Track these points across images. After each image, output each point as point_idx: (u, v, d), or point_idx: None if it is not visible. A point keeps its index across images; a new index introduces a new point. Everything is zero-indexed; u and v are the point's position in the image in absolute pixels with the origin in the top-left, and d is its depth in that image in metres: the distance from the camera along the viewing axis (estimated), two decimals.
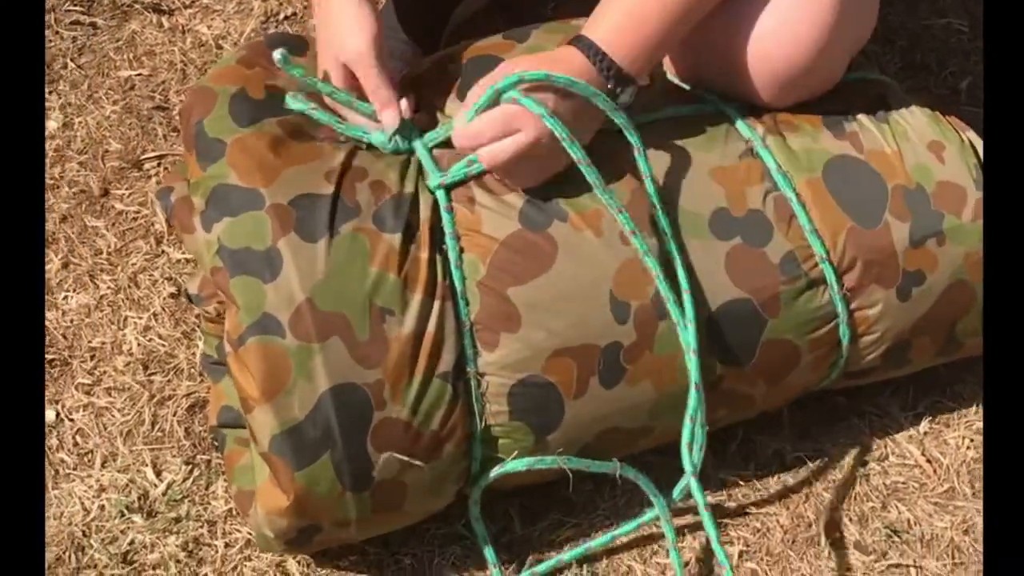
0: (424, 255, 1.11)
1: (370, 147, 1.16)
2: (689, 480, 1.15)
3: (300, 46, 1.24)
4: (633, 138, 1.12)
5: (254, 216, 1.10)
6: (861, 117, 1.24)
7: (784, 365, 1.18)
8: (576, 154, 1.09)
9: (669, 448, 1.27)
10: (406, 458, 1.09)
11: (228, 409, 1.20)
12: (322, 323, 1.07)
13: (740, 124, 1.21)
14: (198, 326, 1.35)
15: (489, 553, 1.20)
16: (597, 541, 1.22)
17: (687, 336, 1.12)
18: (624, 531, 1.22)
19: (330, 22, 1.16)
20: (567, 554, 1.21)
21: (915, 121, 1.24)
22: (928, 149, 1.22)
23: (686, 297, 1.12)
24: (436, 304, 1.10)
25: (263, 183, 1.11)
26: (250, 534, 1.22)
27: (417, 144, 1.16)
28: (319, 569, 1.22)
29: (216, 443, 1.27)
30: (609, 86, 1.11)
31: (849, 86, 1.26)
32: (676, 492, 1.19)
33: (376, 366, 1.08)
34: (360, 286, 1.09)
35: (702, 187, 1.17)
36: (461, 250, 1.12)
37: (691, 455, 1.15)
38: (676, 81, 1.26)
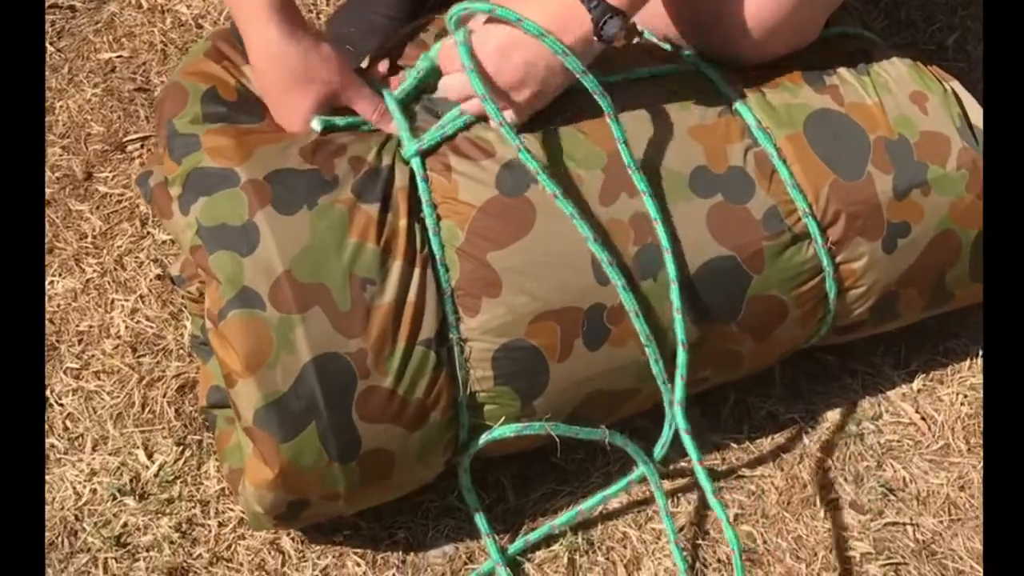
0: (402, 223, 1.10)
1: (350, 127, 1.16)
2: (683, 437, 1.15)
3: None
4: (603, 102, 1.11)
5: (230, 193, 1.09)
6: (841, 70, 1.23)
7: (771, 321, 1.18)
8: (479, 90, 1.10)
9: (659, 414, 1.27)
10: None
11: (218, 389, 1.20)
12: (302, 294, 1.07)
13: (719, 81, 1.21)
14: (185, 307, 1.35)
15: (481, 522, 1.19)
16: (588, 503, 1.21)
17: (673, 295, 1.12)
18: (613, 491, 1.21)
19: (295, 64, 1.13)
20: (560, 519, 1.21)
21: (896, 72, 1.24)
22: (910, 100, 1.22)
23: (668, 257, 1.12)
24: (416, 272, 1.09)
25: (238, 161, 1.11)
26: (243, 513, 1.22)
27: (396, 114, 1.16)
28: (313, 545, 1.21)
29: (207, 424, 1.26)
30: (594, 17, 1.09)
31: (829, 41, 1.26)
32: (657, 450, 1.19)
33: (358, 335, 1.07)
34: (339, 256, 1.08)
35: (681, 145, 1.16)
36: (438, 217, 1.12)
37: (682, 412, 1.14)
38: (654, 39, 1.26)
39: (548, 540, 1.22)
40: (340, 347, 1.07)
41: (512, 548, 1.20)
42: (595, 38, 1.10)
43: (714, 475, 1.26)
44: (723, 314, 1.16)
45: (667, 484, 1.25)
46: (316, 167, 1.11)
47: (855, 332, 1.27)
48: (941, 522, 1.25)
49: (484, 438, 1.14)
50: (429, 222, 1.12)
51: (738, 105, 1.19)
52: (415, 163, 1.13)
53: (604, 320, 1.12)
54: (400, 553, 1.21)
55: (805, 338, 1.24)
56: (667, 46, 1.25)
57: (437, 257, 1.11)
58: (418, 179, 1.12)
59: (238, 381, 1.07)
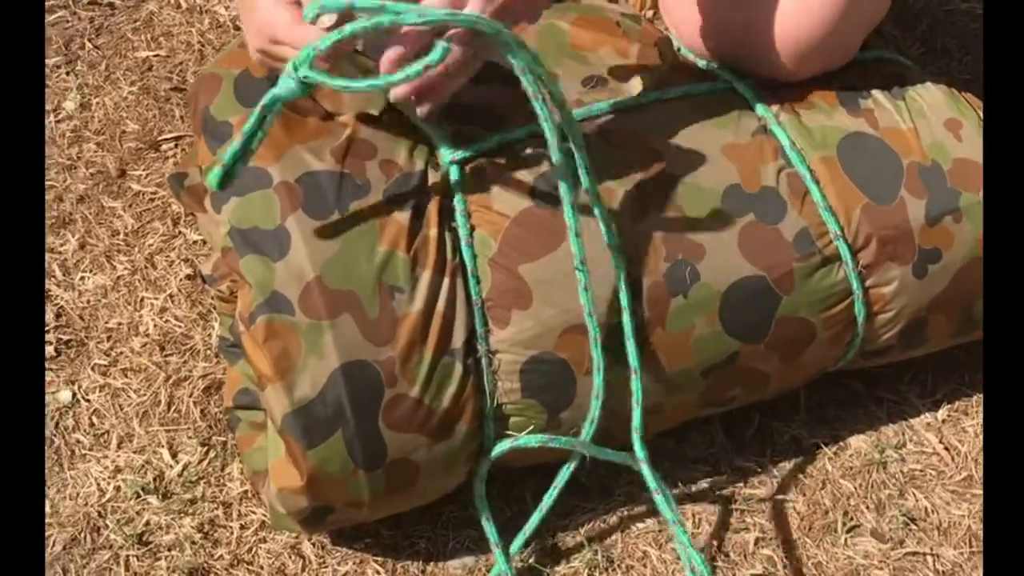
0: (433, 232, 1.10)
1: (378, 118, 1.16)
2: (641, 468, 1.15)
3: None
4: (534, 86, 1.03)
5: (262, 195, 1.10)
6: (877, 94, 1.23)
7: (799, 342, 1.18)
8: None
9: (683, 432, 1.27)
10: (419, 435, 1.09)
11: (244, 392, 1.20)
12: (332, 301, 1.07)
13: (754, 101, 1.21)
14: (214, 307, 1.35)
15: (491, 531, 1.18)
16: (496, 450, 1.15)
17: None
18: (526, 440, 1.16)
19: None
20: (539, 510, 1.18)
21: (931, 98, 1.24)
22: (945, 126, 1.22)
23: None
24: (446, 281, 1.10)
25: (270, 161, 1.11)
26: (265, 516, 1.22)
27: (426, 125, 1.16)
28: (334, 551, 1.21)
29: (230, 425, 1.27)
30: None
31: (865, 64, 1.26)
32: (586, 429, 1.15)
33: (386, 343, 1.07)
34: (369, 264, 1.08)
35: (715, 164, 1.16)
36: (472, 227, 1.12)
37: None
38: (690, 57, 1.26)
39: (568, 556, 1.22)
40: (368, 354, 1.07)
41: (513, 547, 1.19)
42: None
43: (736, 498, 1.26)
44: (751, 333, 1.16)
45: (690, 507, 1.25)
46: (348, 171, 1.11)
47: (883, 357, 1.26)
48: (962, 554, 1.24)
49: (507, 444, 1.13)
50: (462, 232, 1.12)
51: (772, 125, 1.20)
52: (453, 171, 1.13)
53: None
54: (420, 563, 1.21)
55: (833, 361, 1.24)
56: (703, 63, 1.26)
57: (468, 268, 1.11)
58: (454, 187, 1.13)
59: (267, 385, 1.07)
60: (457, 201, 1.13)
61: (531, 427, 1.14)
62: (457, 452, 1.13)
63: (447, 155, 1.14)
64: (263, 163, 1.11)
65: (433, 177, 1.13)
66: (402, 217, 1.10)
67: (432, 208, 1.12)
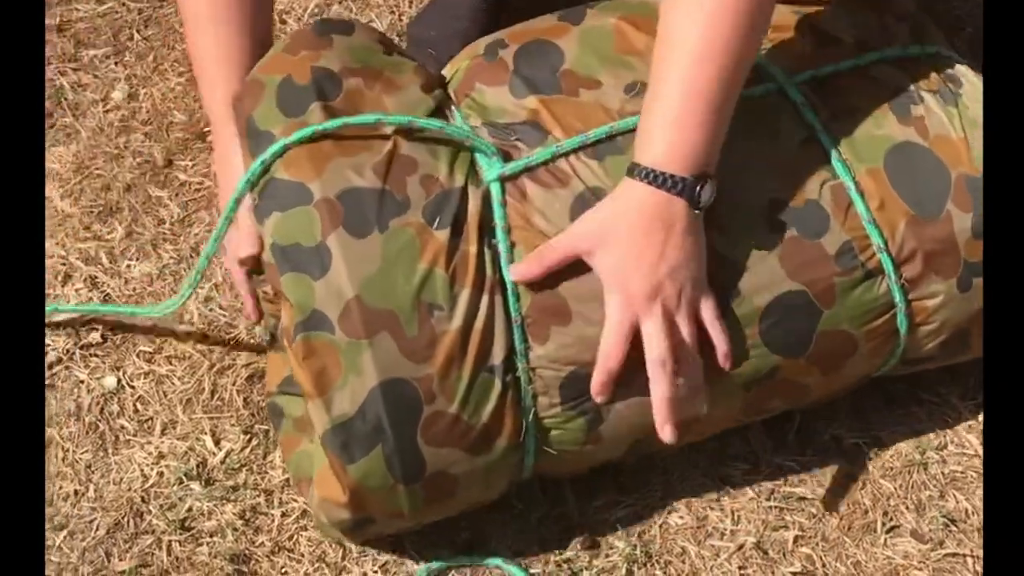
0: (473, 249, 1.10)
1: (419, 133, 1.14)
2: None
3: (347, 30, 1.23)
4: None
5: (303, 211, 1.10)
6: (928, 99, 1.20)
7: (840, 355, 1.17)
8: None
9: (723, 432, 1.27)
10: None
11: (289, 381, 1.20)
12: (371, 319, 1.07)
13: (803, 107, 1.19)
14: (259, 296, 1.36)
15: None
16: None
17: None
18: None
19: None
20: None
21: None
22: None
23: None
24: (484, 298, 1.09)
25: (311, 176, 1.11)
26: (306, 504, 1.23)
27: (478, 141, 1.14)
28: (374, 539, 1.22)
29: (272, 414, 1.26)
30: (685, 198, 1.08)
31: (920, 62, 1.23)
32: None
33: (425, 361, 1.07)
34: (409, 282, 1.08)
35: (758, 178, 1.15)
36: (512, 244, 1.11)
37: None
38: None
39: (606, 550, 1.22)
40: (407, 372, 1.07)
41: None
42: (697, 211, 1.10)
43: (775, 496, 1.26)
44: (793, 348, 1.15)
45: (729, 503, 1.26)
46: (388, 187, 1.11)
47: (924, 364, 1.25)
48: None
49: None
50: (502, 248, 1.11)
51: (820, 134, 1.18)
52: (494, 188, 1.13)
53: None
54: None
55: (874, 370, 1.23)
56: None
57: (508, 285, 1.11)
58: (495, 204, 1.12)
59: (309, 401, 1.08)
60: (497, 218, 1.12)
61: (569, 441, 1.14)
62: (497, 465, 1.13)
63: (493, 171, 1.13)
64: (304, 178, 1.11)
65: (474, 193, 1.12)
66: (442, 234, 1.10)
67: (472, 225, 1.11)
